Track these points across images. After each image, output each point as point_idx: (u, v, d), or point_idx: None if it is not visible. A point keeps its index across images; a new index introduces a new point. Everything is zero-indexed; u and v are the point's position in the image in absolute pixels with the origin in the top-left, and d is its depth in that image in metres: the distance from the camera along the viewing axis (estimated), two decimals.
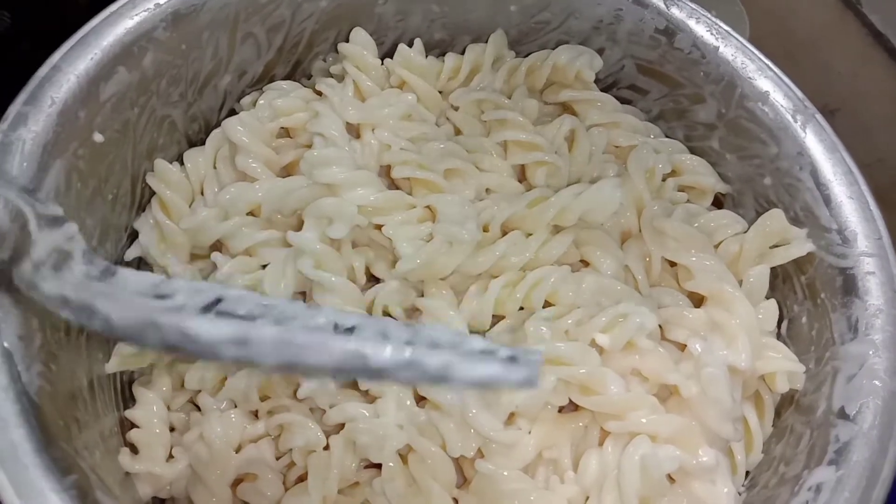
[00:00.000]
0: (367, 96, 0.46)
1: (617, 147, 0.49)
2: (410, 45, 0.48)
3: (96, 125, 0.38)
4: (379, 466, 0.39)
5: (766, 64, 0.45)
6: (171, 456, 0.40)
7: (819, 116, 0.43)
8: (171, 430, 0.41)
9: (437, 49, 0.50)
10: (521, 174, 0.47)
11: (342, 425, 0.39)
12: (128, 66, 0.39)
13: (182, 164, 0.44)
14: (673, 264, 0.45)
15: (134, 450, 0.40)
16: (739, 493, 0.39)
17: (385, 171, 0.45)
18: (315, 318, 0.27)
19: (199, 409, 0.41)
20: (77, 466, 0.31)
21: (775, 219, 0.44)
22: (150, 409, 0.41)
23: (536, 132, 0.46)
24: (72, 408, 0.35)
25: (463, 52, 0.50)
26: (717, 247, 0.45)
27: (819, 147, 0.42)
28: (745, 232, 0.45)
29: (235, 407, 0.40)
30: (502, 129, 0.47)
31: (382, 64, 0.48)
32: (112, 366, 0.40)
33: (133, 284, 0.29)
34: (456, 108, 0.48)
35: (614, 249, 0.43)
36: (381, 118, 0.45)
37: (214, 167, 0.44)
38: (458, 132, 0.48)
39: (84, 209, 0.38)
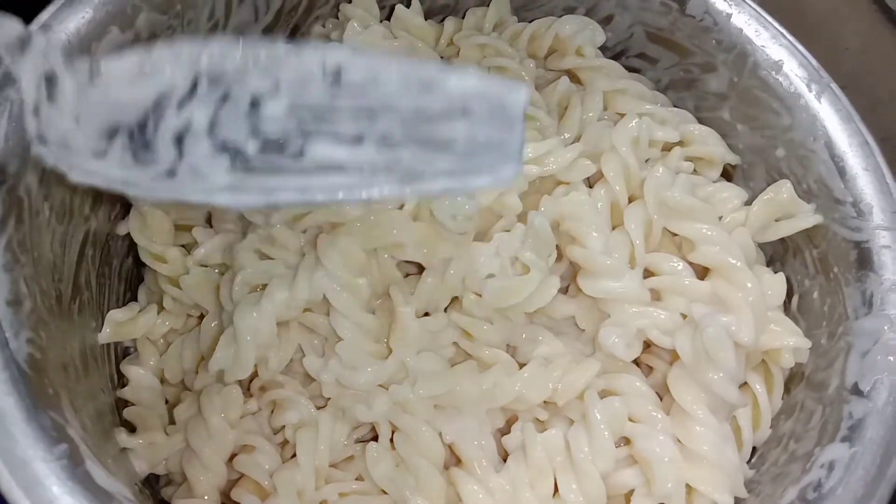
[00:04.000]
0: None
1: (621, 115, 0.47)
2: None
3: None
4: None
5: (780, 32, 0.44)
6: (166, 433, 0.39)
7: (834, 86, 0.42)
8: (166, 402, 0.41)
9: (440, 14, 0.49)
10: None
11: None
12: (121, 26, 0.38)
13: None
14: (676, 234, 0.44)
15: (130, 428, 0.39)
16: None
17: None
18: (302, 60, 0.28)
19: (186, 388, 0.41)
20: (67, 436, 0.30)
21: (783, 190, 0.43)
22: (142, 383, 0.40)
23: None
24: (63, 377, 0.34)
25: (464, 17, 0.48)
26: (720, 218, 0.44)
27: (834, 118, 0.41)
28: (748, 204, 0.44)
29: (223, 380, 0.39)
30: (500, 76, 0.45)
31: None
32: (105, 336, 0.40)
33: (119, 72, 0.29)
34: (457, 53, 0.47)
35: (604, 226, 0.42)
36: (380, 47, 0.44)
37: None
38: None
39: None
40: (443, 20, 0.48)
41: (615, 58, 0.49)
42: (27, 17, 0.36)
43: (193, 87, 0.29)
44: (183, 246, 0.42)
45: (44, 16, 0.36)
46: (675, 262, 0.41)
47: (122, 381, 0.41)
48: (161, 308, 0.42)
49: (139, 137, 0.29)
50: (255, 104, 0.29)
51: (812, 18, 0.71)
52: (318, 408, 0.39)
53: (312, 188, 0.28)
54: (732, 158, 0.47)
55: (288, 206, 0.35)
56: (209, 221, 0.43)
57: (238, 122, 0.29)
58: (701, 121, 0.48)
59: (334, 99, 0.29)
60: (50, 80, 0.29)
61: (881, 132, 0.47)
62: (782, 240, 0.43)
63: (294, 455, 0.38)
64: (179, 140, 0.29)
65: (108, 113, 0.29)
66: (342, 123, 0.29)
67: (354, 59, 0.29)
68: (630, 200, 0.43)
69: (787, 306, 0.43)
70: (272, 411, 0.39)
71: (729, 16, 0.45)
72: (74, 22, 0.36)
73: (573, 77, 0.48)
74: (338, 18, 0.48)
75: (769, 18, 0.44)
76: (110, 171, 0.29)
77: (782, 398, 0.41)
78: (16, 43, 0.28)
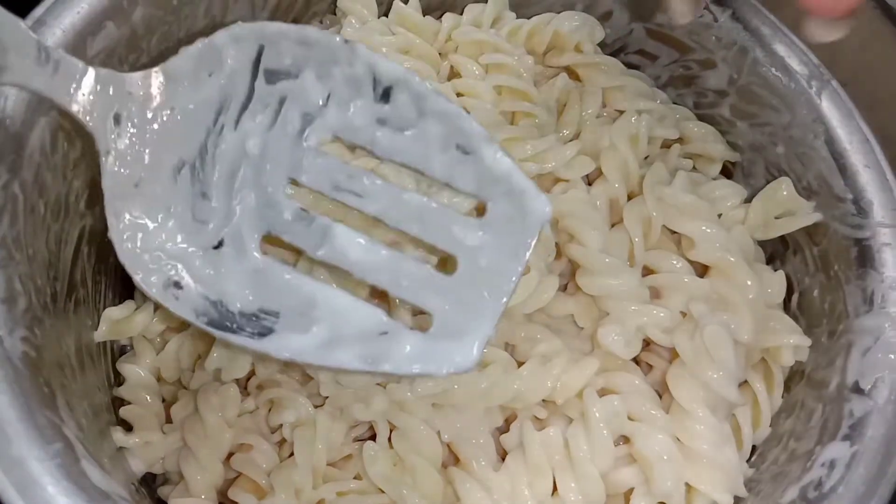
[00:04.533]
0: None
1: (620, 112, 0.47)
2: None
3: None
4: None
5: (780, 28, 0.44)
6: (163, 432, 0.39)
7: (835, 83, 0.42)
8: (162, 401, 0.41)
9: (439, 10, 0.48)
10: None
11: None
12: (116, 22, 0.38)
13: None
14: (675, 232, 0.43)
15: (127, 427, 0.39)
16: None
17: None
18: (353, 66, 0.30)
19: (182, 386, 0.41)
20: (62, 436, 0.30)
21: (783, 188, 0.43)
22: (138, 382, 0.40)
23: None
24: (59, 376, 0.34)
25: (462, 14, 0.48)
26: (720, 216, 0.43)
27: (835, 114, 0.41)
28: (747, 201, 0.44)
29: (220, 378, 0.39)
30: (497, 72, 0.45)
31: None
32: (101, 334, 0.39)
33: (181, 70, 0.31)
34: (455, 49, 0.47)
35: (603, 224, 0.42)
36: (377, 43, 0.44)
37: None
38: (455, 75, 0.46)
39: (71, 170, 0.37)
40: (441, 16, 0.48)
41: (614, 54, 0.49)
42: (22, 12, 0.36)
43: (251, 91, 0.30)
44: None
45: (38, 11, 0.36)
46: (675, 259, 0.41)
47: (119, 379, 0.41)
48: (157, 306, 0.41)
49: (199, 171, 0.30)
50: (306, 118, 0.30)
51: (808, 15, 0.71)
52: (316, 406, 0.38)
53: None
54: (732, 156, 0.46)
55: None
56: None
57: (284, 156, 0.31)
58: (700, 118, 0.48)
59: (379, 125, 0.30)
60: (117, 119, 0.29)
61: (880, 130, 0.47)
62: (782, 237, 0.43)
63: (292, 454, 0.37)
64: (232, 178, 0.29)
65: (174, 137, 0.30)
66: (371, 195, 0.31)
67: (407, 79, 0.30)
68: (629, 198, 0.43)
69: (786, 304, 0.43)
70: (269, 410, 0.39)
71: (729, 12, 0.44)
72: (69, 17, 0.36)
73: (572, 74, 0.48)
74: (335, 14, 0.48)
75: (769, 14, 0.44)
76: (171, 253, 0.30)
77: (782, 397, 0.41)
78: (86, 89, 0.29)
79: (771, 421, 0.40)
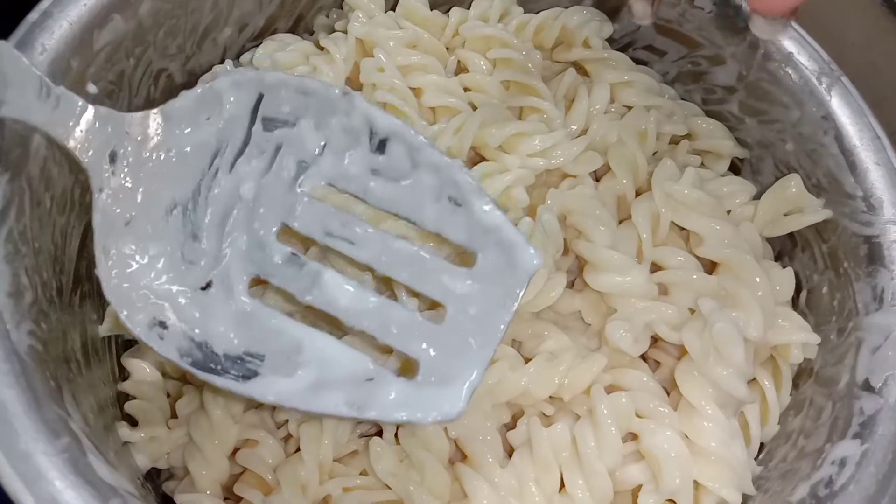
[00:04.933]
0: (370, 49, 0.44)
1: (628, 107, 0.47)
2: None
3: (90, 75, 0.37)
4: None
5: (789, 24, 0.43)
6: (168, 427, 0.39)
7: (845, 79, 0.42)
8: (167, 396, 0.40)
9: (446, 5, 0.48)
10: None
11: None
12: (123, 15, 0.38)
13: None
14: (683, 228, 0.43)
15: (132, 422, 0.39)
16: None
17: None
18: (350, 117, 0.30)
19: (188, 381, 0.40)
20: (69, 430, 0.30)
21: (792, 184, 0.42)
22: (143, 377, 0.40)
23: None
24: (65, 370, 0.34)
25: (469, 7, 0.48)
26: (728, 213, 0.43)
27: (845, 111, 0.41)
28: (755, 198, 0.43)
29: None
30: (505, 67, 0.45)
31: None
32: (105, 328, 0.39)
33: (181, 112, 0.32)
34: (463, 44, 0.46)
35: (610, 220, 0.41)
36: (384, 38, 0.43)
37: None
38: (463, 70, 0.46)
39: (76, 164, 0.37)
40: (448, 10, 0.48)
41: (622, 50, 0.49)
42: (28, 4, 0.35)
43: (248, 137, 0.30)
44: None
45: (44, 3, 0.36)
46: (683, 256, 0.41)
47: (124, 374, 0.40)
48: None
49: (192, 212, 0.30)
50: (301, 166, 0.30)
51: (815, 12, 0.71)
52: None
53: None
54: (740, 152, 0.46)
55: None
56: None
57: (278, 201, 0.31)
58: (709, 114, 0.47)
59: (373, 174, 0.30)
60: (113, 157, 0.29)
61: (886, 127, 0.47)
62: (791, 234, 0.43)
63: (298, 450, 0.37)
64: (224, 220, 0.30)
65: (168, 177, 0.30)
66: (362, 242, 0.31)
67: (403, 131, 0.31)
68: (637, 194, 0.43)
69: (795, 301, 0.42)
70: (275, 406, 0.39)
71: (738, 7, 0.44)
72: (76, 9, 0.36)
73: (580, 69, 0.48)
74: (342, 8, 0.48)
75: None
76: (158, 292, 0.30)
77: (791, 394, 0.40)
78: (83, 126, 0.30)
79: (779, 418, 0.40)
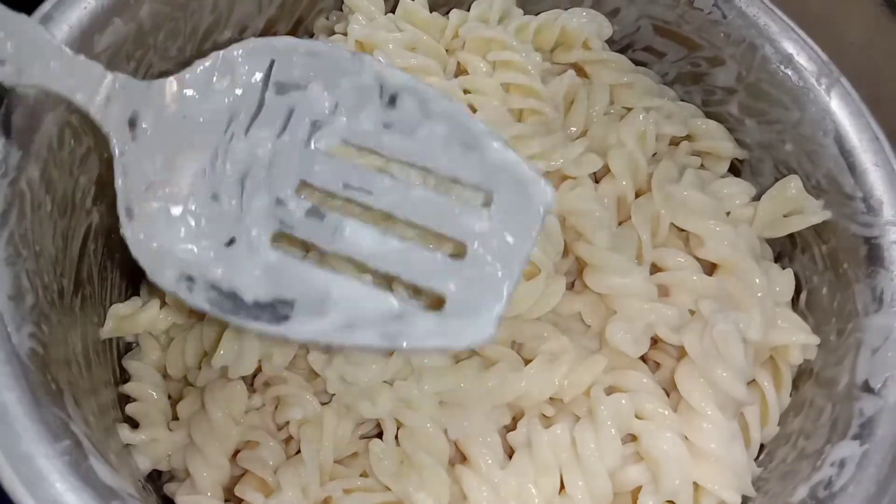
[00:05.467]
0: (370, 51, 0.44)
1: (628, 109, 0.47)
2: None
3: None
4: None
5: (789, 25, 0.43)
6: (169, 429, 0.39)
7: (844, 80, 0.42)
8: (168, 398, 0.41)
9: (445, 6, 0.48)
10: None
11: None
12: (124, 18, 0.38)
13: None
14: (683, 230, 0.43)
15: (133, 424, 0.39)
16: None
17: None
18: (361, 76, 0.31)
19: (188, 383, 0.41)
20: (70, 432, 0.30)
21: (792, 186, 0.42)
22: (144, 379, 0.40)
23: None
24: (66, 373, 0.34)
25: (469, 9, 0.48)
26: (728, 214, 0.43)
27: (844, 112, 0.41)
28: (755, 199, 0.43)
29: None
30: (505, 69, 0.45)
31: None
32: (106, 331, 0.39)
33: (194, 82, 0.32)
34: (462, 46, 0.46)
35: (608, 222, 0.42)
36: (384, 40, 0.44)
37: None
38: (462, 72, 0.46)
39: (77, 167, 0.37)
40: (448, 12, 0.48)
41: (622, 51, 0.49)
42: (29, 8, 0.36)
43: (261, 102, 0.31)
44: None
45: (46, 6, 0.36)
46: (683, 257, 0.41)
47: (125, 376, 0.41)
48: (163, 303, 0.41)
49: (210, 174, 0.31)
50: (315, 125, 0.31)
51: (814, 13, 0.71)
52: (323, 404, 0.38)
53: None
54: (740, 153, 0.46)
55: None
56: None
57: (294, 159, 0.32)
58: (709, 115, 0.47)
59: (386, 128, 0.31)
60: (132, 122, 0.30)
61: (884, 128, 0.47)
62: (791, 236, 0.43)
63: (298, 451, 0.37)
64: (243, 181, 0.31)
65: (186, 143, 0.31)
66: (380, 191, 0.32)
67: (413, 84, 0.31)
68: (637, 195, 0.43)
69: (795, 303, 0.42)
70: (276, 407, 0.39)
71: (738, 8, 0.44)
72: (77, 13, 0.36)
73: (579, 70, 0.48)
74: (342, 11, 0.48)
75: (778, 12, 0.44)
76: (184, 249, 0.31)
77: (790, 395, 0.40)
78: (103, 92, 0.31)
79: (779, 420, 0.40)
